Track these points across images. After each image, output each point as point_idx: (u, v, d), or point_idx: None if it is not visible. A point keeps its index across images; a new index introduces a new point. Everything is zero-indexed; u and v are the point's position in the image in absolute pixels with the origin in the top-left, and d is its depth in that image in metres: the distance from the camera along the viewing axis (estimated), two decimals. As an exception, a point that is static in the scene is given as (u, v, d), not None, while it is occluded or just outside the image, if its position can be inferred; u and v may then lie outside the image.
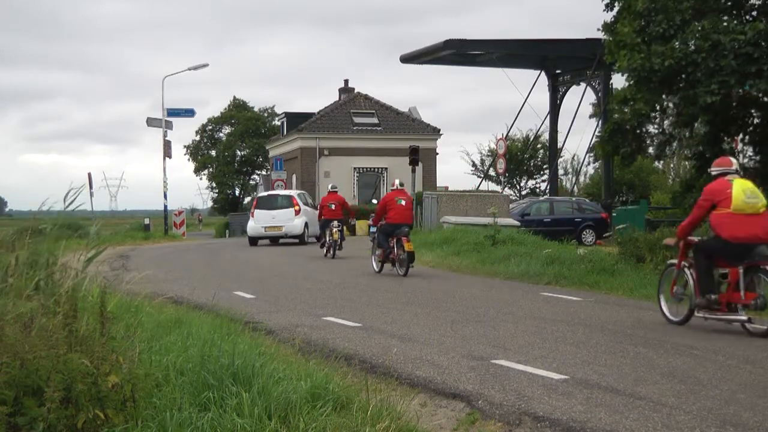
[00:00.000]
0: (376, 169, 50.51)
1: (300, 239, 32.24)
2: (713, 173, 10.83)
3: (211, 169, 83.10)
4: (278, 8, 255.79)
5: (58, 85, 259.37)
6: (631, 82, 15.60)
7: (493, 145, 58.00)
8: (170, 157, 43.29)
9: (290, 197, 33.26)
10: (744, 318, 10.13)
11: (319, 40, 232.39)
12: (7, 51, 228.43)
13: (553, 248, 20.53)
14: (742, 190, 10.31)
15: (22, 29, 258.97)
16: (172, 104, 56.49)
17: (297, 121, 54.42)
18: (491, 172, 54.98)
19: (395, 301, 13.38)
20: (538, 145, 61.22)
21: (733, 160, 10.79)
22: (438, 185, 47.87)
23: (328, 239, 23.92)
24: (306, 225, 32.17)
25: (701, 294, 10.40)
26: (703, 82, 14.35)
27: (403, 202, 18.47)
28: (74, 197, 8.34)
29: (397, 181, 19.76)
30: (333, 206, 24.57)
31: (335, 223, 23.99)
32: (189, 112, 45.66)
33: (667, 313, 11.13)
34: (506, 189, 53.66)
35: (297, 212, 32.14)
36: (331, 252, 23.69)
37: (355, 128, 51.85)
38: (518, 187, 65.64)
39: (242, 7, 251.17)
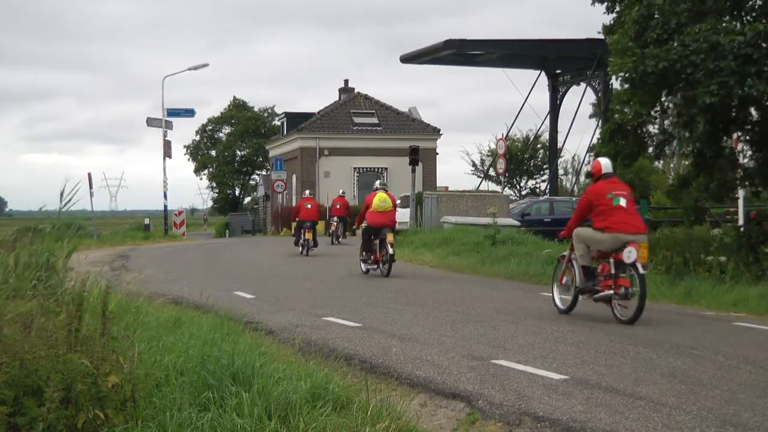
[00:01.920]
0: (376, 169, 50.44)
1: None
2: (373, 188, 18.99)
3: (211, 169, 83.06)
4: (278, 8, 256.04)
5: (58, 85, 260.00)
6: (626, 86, 15.59)
7: (493, 145, 57.93)
8: (170, 157, 43.31)
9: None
10: (375, 267, 18.08)
11: (319, 40, 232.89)
12: (8, 51, 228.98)
13: (553, 248, 20.50)
14: (379, 198, 18.21)
15: (23, 29, 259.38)
16: (173, 104, 56.57)
17: (297, 121, 54.38)
18: (491, 172, 54.95)
19: (395, 301, 13.38)
20: (538, 145, 61.15)
21: (379, 181, 19.37)
22: (438, 185, 47.82)
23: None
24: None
25: (365, 253, 18.31)
26: (703, 83, 14.33)
27: (309, 206, 26.11)
28: (71, 196, 8.34)
29: (307, 191, 29.04)
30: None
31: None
32: (189, 112, 45.64)
33: (363, 268, 18.44)
34: (506, 189, 53.60)
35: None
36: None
37: (355, 128, 51.81)
38: (518, 187, 65.58)
39: (242, 7, 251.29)
